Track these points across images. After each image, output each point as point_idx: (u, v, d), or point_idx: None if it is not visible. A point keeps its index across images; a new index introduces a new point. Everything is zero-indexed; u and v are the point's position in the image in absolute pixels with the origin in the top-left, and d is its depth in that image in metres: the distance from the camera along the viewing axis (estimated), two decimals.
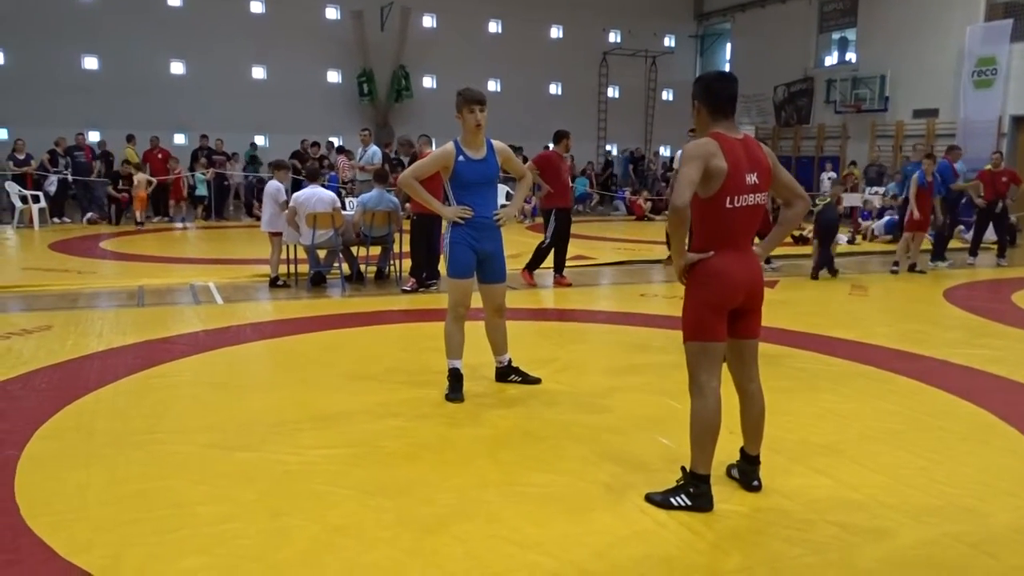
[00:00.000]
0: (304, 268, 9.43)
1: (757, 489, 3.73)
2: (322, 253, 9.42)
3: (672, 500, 3.54)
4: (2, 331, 6.68)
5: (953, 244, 12.56)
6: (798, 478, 3.90)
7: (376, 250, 9.79)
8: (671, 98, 26.30)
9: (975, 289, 9.87)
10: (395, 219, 9.43)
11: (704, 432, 3.49)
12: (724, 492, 3.69)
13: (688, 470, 3.56)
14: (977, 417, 4.90)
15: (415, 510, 3.51)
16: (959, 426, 4.73)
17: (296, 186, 11.61)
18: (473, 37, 23.24)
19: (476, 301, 5.23)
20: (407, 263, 9.34)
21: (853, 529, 3.37)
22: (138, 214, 15.75)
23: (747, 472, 3.77)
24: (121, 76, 19.72)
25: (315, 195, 8.99)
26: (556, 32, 24.58)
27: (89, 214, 16.23)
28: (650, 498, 3.60)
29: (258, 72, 21.40)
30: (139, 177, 15.88)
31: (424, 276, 9.01)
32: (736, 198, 3.37)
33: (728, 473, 3.85)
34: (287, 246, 9.35)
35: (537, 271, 9.67)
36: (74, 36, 19.30)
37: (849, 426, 4.69)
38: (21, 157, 16.34)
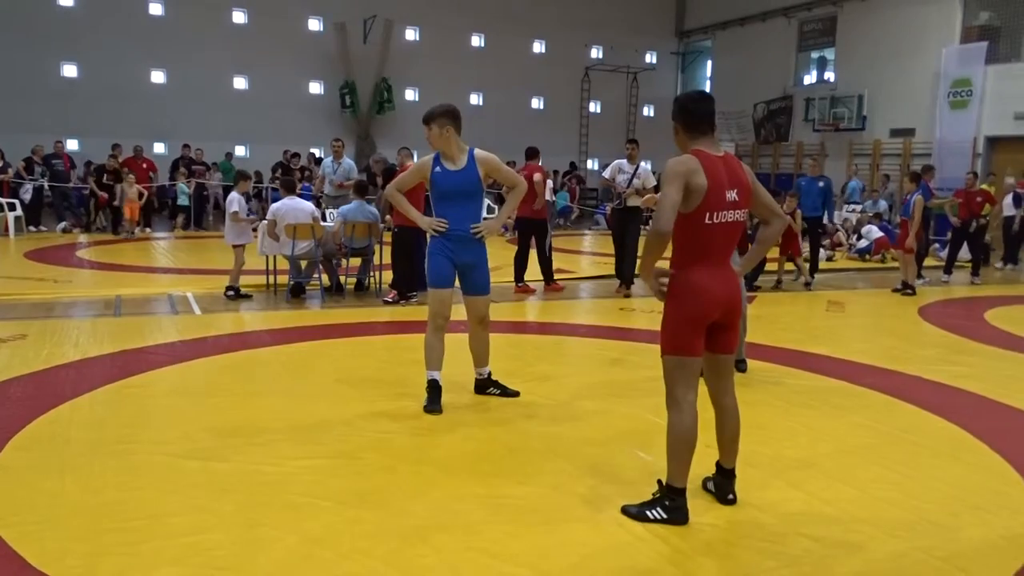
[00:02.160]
0: (284, 279, 9.41)
1: (732, 502, 3.76)
2: (302, 264, 9.39)
3: (648, 513, 3.56)
4: None
5: (928, 262, 12.70)
6: (773, 492, 3.94)
7: (356, 261, 9.78)
8: (652, 114, 26.51)
9: (949, 307, 10.00)
10: (375, 231, 9.43)
11: (680, 445, 3.52)
12: (700, 505, 3.72)
13: (664, 483, 3.58)
14: (949, 433, 4.96)
15: (392, 521, 3.51)
16: (932, 442, 4.79)
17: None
18: (456, 51, 23.32)
19: (459, 313, 5.25)
20: (388, 275, 9.34)
21: (826, 542, 3.41)
22: (129, 224, 15.52)
23: (722, 485, 3.79)
24: (101, 84, 19.62)
25: (294, 206, 8.98)
26: (539, 47, 24.73)
27: (63, 223, 16.05)
28: (626, 511, 3.62)
29: (240, 82, 21.36)
30: (129, 187, 15.56)
31: (406, 289, 9.01)
32: (716, 214, 3.41)
33: (704, 486, 3.88)
34: (267, 257, 9.32)
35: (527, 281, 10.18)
36: (54, 43, 19.19)
37: (823, 440, 4.75)
38: None
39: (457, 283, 5.17)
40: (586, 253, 15.15)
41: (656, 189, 10.78)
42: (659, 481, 3.62)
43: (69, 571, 2.99)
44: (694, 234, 3.45)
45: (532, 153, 10.62)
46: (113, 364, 5.99)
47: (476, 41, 23.87)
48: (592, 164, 25.82)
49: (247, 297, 9.02)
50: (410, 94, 22.98)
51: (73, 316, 7.88)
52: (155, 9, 20.22)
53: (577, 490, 3.90)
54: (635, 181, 9.74)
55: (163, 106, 20.11)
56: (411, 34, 23.06)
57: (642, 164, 9.95)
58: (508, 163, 22.12)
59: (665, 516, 3.53)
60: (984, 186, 13.84)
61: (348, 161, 11.54)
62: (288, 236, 8.85)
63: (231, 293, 8.94)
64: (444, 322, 5.10)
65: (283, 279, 9.43)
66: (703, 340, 3.52)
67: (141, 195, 15.88)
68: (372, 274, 9.78)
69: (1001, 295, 11.05)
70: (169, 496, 3.71)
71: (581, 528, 3.50)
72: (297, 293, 9.23)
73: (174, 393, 5.42)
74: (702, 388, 3.61)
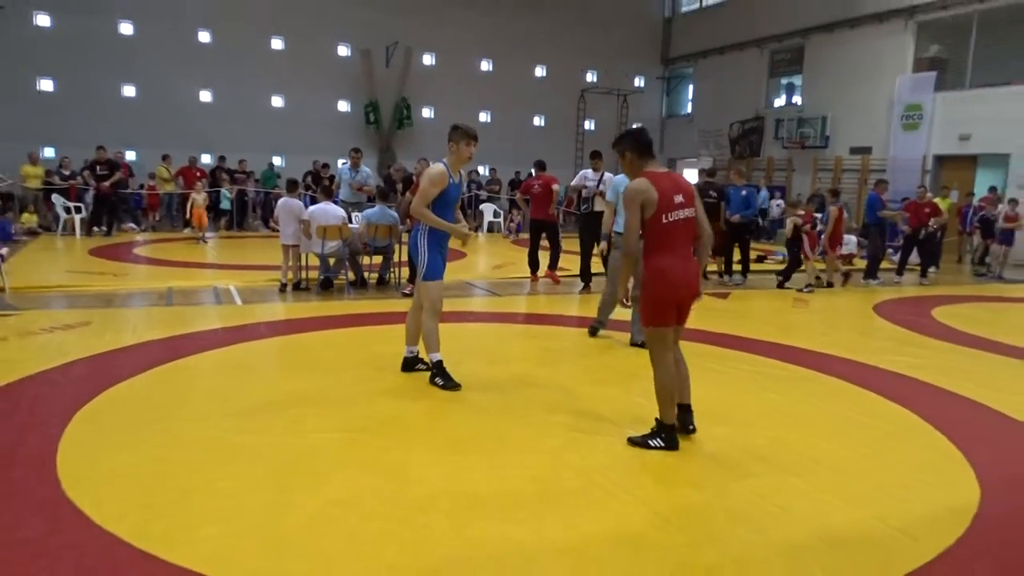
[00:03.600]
0: (314, 274, 9.41)
1: (693, 432, 4.24)
2: (331, 261, 9.38)
3: (650, 442, 4.07)
4: (47, 325, 6.62)
5: (883, 265, 12.66)
6: (745, 467, 3.92)
7: (378, 259, 9.77)
8: None
9: (901, 304, 9.96)
10: (395, 232, 9.42)
11: (665, 392, 4.07)
12: (681, 477, 3.71)
13: (659, 420, 4.09)
14: (902, 417, 4.94)
15: (408, 489, 3.50)
16: (887, 424, 4.77)
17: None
18: (467, 74, 23.27)
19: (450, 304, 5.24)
20: (406, 271, 9.33)
21: (793, 511, 3.40)
22: (198, 230, 14.51)
23: (683, 419, 4.25)
24: (155, 102, 19.59)
25: (327, 210, 8.97)
26: (540, 71, 24.66)
27: (130, 223, 16.09)
28: (632, 440, 4.11)
29: (277, 100, 21.32)
30: (198, 194, 14.80)
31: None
32: (669, 215, 3.93)
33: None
34: (300, 254, 9.32)
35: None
36: (115, 66, 19.16)
37: (791, 421, 4.73)
38: (67, 173, 16.20)
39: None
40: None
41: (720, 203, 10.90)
42: (656, 419, 4.11)
43: (127, 529, 2.99)
44: (657, 232, 3.95)
45: (543, 165, 10.99)
46: (165, 348, 5.99)
47: (485, 66, 23.80)
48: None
49: (300, 288, 9.07)
50: (426, 112, 22.95)
51: (131, 306, 7.87)
52: (204, 37, 20.18)
53: (571, 462, 3.89)
54: (600, 186, 9.61)
55: (209, 121, 20.09)
56: (428, 59, 23.00)
57: (606, 173, 9.79)
58: (515, 172, 21.96)
59: (663, 444, 4.05)
60: (940, 199, 13.85)
61: (366, 169, 11.30)
62: (319, 236, 8.84)
63: (297, 286, 9.04)
64: (440, 308, 5.22)
65: (313, 274, 9.43)
66: (675, 314, 4.05)
67: (206, 198, 15.24)
68: (392, 270, 9.77)
69: (947, 294, 11.00)
70: (211, 464, 3.71)
71: (574, 497, 3.48)
72: (326, 286, 9.23)
73: (216, 374, 5.42)
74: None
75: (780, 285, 10.90)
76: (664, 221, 3.91)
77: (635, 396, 5.05)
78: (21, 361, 5.37)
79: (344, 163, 11.28)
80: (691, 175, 20.93)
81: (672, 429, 4.07)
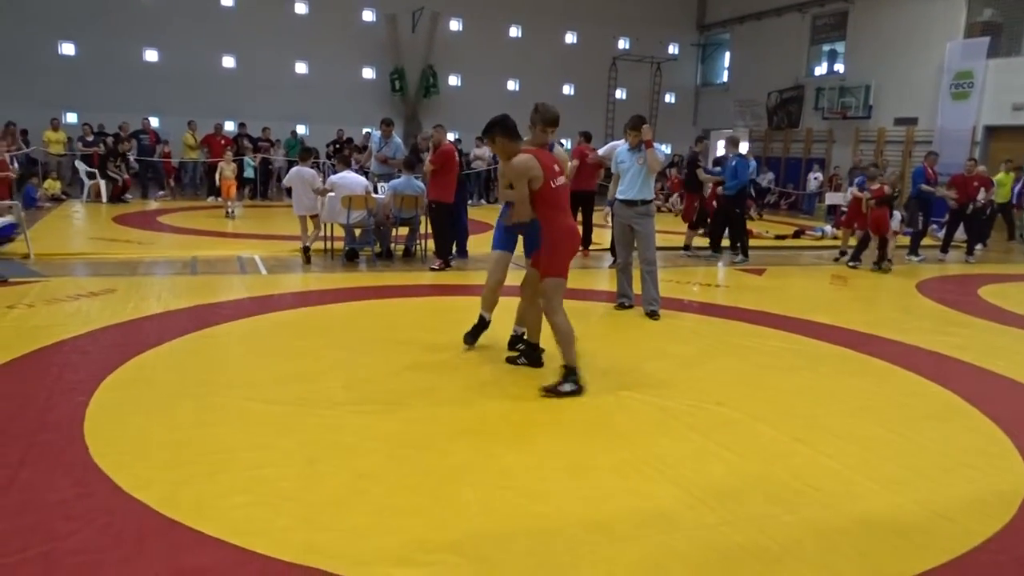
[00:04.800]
0: (339, 245, 9.47)
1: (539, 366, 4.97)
2: (356, 231, 9.43)
3: (561, 388, 4.50)
4: (72, 292, 6.75)
5: (926, 241, 12.44)
6: (778, 446, 3.91)
7: (404, 230, 9.80)
8: (673, 100, 26.06)
9: (945, 283, 9.79)
10: (420, 203, 9.43)
11: (567, 337, 4.57)
12: (711, 455, 3.71)
13: (565, 365, 4.55)
14: (943, 398, 4.88)
15: (435, 462, 3.55)
16: (926, 405, 4.72)
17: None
18: (495, 40, 23.06)
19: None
20: (432, 243, 9.35)
21: (828, 492, 3.38)
22: (228, 203, 13.85)
23: (533, 355, 5.06)
24: (178, 68, 19.73)
25: (350, 179, 9.00)
26: (571, 38, 24.36)
27: (162, 191, 16.35)
28: (546, 390, 4.50)
29: (300, 67, 21.33)
30: (227, 165, 14.21)
31: (448, 256, 9.04)
32: (554, 181, 4.62)
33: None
34: (325, 224, 9.37)
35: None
36: (137, 31, 19.30)
37: (826, 401, 4.69)
38: (89, 139, 16.42)
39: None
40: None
41: (695, 172, 10.67)
42: (563, 365, 4.57)
43: (155, 497, 3.06)
44: (549, 197, 4.61)
45: (589, 137, 11.17)
46: (190, 317, 6.08)
47: (514, 32, 23.56)
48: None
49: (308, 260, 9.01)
50: (453, 80, 22.83)
51: (155, 274, 7.99)
52: (227, 0, 20.21)
53: (600, 439, 3.90)
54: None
55: (232, 88, 20.18)
56: (455, 25, 22.82)
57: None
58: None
59: (575, 387, 4.51)
60: (1003, 175, 13.53)
61: (397, 140, 11.34)
62: (344, 206, 8.87)
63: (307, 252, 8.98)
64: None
65: (339, 245, 9.49)
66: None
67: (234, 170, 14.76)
68: (418, 242, 9.80)
69: (994, 273, 10.79)
70: (239, 434, 3.77)
71: (602, 473, 3.50)
72: (352, 257, 9.28)
73: (243, 344, 5.50)
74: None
75: (851, 262, 10.61)
76: (552, 187, 4.60)
77: (665, 372, 5.04)
78: (49, 327, 5.50)
79: (377, 133, 11.19)
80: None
81: (576, 372, 4.53)
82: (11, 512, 2.90)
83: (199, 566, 2.61)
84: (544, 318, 4.78)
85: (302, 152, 9.83)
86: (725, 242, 11.02)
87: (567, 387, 4.49)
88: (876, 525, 3.11)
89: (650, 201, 6.82)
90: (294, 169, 9.30)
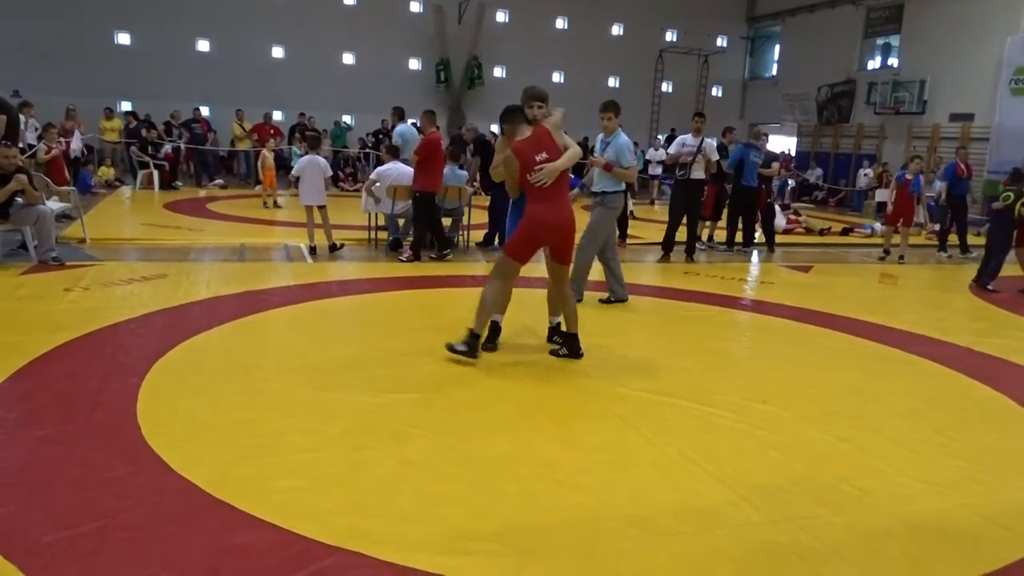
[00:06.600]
0: (383, 235, 9.55)
1: (581, 356, 5.02)
2: (400, 222, 9.49)
3: (457, 346, 4.78)
4: (126, 277, 6.94)
5: (973, 240, 12.06)
6: (824, 446, 3.85)
7: (447, 221, 9.81)
8: (720, 94, 25.71)
9: (1001, 283, 9.49)
10: (464, 194, 9.45)
11: (489, 308, 4.86)
12: (756, 454, 3.67)
13: (471, 329, 4.83)
14: (995, 401, 4.75)
15: (478, 451, 3.57)
16: (978, 408, 4.60)
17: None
18: (541, 32, 23.00)
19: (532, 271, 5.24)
20: (475, 234, 9.37)
21: (874, 494, 3.32)
22: (270, 193, 13.58)
23: (573, 346, 5.07)
24: (229, 58, 20.10)
25: (396, 170, 9.06)
26: (617, 30, 24.17)
27: (218, 180, 16.48)
28: (449, 347, 4.82)
29: (348, 58, 21.56)
30: (269, 153, 14.07)
31: (440, 249, 8.89)
32: (530, 173, 4.68)
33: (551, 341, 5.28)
34: (369, 215, 9.44)
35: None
36: (189, 21, 19.71)
37: (874, 401, 4.60)
38: (132, 126, 16.77)
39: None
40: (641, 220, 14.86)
41: (719, 163, 10.55)
42: (468, 329, 4.83)
43: (205, 477, 3.13)
44: (526, 184, 4.74)
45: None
46: (238, 302, 6.20)
47: (560, 24, 23.47)
48: (662, 138, 25.22)
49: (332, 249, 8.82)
50: (498, 71, 22.83)
51: (204, 260, 8.16)
52: None
53: (643, 433, 3.89)
54: (700, 152, 9.42)
55: (281, 78, 20.48)
56: (501, 16, 22.82)
57: (706, 139, 9.62)
58: (583, 137, 21.74)
59: (465, 349, 4.78)
60: None
61: (401, 127, 10.66)
62: (389, 196, 8.94)
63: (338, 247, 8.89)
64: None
65: (383, 235, 9.57)
66: (531, 254, 4.86)
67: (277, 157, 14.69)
68: (461, 233, 9.83)
69: None
70: (287, 418, 3.84)
71: (644, 468, 3.49)
72: (395, 247, 9.35)
73: (289, 329, 5.59)
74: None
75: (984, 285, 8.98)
76: (528, 177, 4.69)
77: (709, 368, 5.00)
78: (104, 310, 5.66)
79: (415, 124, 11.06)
80: (774, 142, 20.26)
81: (477, 339, 4.82)
82: (67, 488, 3.00)
83: (245, 544, 2.67)
84: (569, 303, 5.05)
85: (312, 140, 9.46)
86: (738, 237, 10.88)
87: (461, 347, 4.78)
88: (924, 529, 3.05)
89: (608, 193, 6.62)
90: (307, 157, 8.89)
